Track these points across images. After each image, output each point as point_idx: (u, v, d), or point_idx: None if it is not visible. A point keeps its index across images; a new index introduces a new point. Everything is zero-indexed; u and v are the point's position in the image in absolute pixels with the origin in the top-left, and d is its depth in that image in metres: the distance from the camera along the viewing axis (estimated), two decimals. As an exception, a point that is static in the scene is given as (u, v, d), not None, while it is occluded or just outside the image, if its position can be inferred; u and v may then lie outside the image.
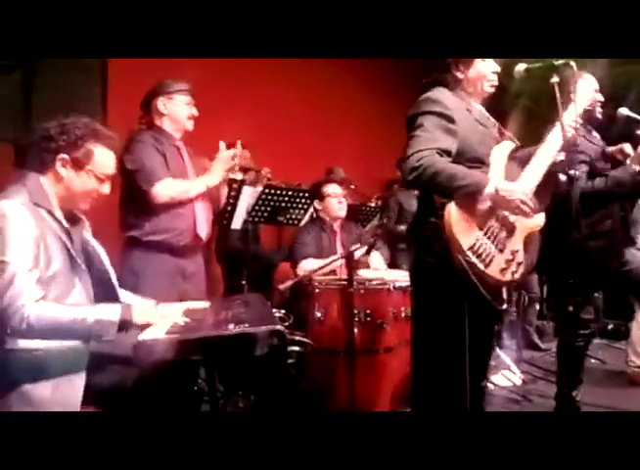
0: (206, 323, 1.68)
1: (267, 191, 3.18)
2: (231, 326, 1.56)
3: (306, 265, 3.15)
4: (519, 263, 1.92)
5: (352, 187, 3.62)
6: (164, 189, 2.42)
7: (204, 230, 2.56)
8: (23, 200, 1.59)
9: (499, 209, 1.89)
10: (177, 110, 2.57)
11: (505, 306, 1.82)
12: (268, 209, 3.24)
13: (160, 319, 1.65)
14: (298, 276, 2.77)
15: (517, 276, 1.90)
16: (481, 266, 1.82)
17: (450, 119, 1.93)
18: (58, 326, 1.50)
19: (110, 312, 1.57)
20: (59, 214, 1.69)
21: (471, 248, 1.82)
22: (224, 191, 2.74)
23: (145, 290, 2.07)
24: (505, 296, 1.85)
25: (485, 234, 1.89)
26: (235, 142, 2.58)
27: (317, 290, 2.81)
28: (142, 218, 2.44)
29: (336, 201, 3.35)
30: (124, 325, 1.57)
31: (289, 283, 2.51)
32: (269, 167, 3.83)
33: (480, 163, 1.98)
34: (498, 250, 1.90)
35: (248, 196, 3.11)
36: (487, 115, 2.11)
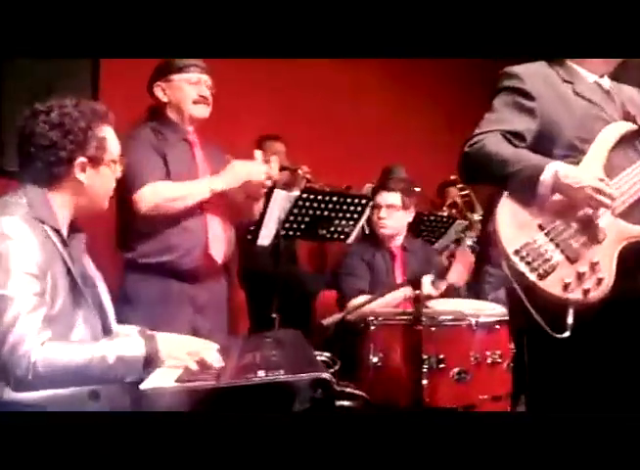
0: (229, 368, 1.68)
1: (306, 196, 3.18)
2: (261, 373, 1.56)
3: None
4: (599, 280, 1.85)
5: (417, 190, 3.58)
6: (149, 195, 2.40)
7: (219, 250, 2.55)
8: (23, 215, 1.64)
9: (572, 201, 1.87)
10: (178, 94, 2.56)
11: (567, 334, 1.75)
12: (306, 219, 3.24)
13: (187, 356, 1.69)
14: (347, 310, 2.75)
15: (592, 296, 1.83)
16: (532, 277, 1.81)
17: (526, 95, 1.96)
18: (71, 371, 1.54)
19: (133, 346, 1.61)
20: (64, 232, 1.74)
21: (517, 252, 1.82)
22: (259, 203, 2.72)
23: (142, 323, 2.08)
24: (570, 321, 1.77)
25: (548, 236, 1.87)
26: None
27: (372, 327, 2.78)
28: (138, 236, 2.46)
29: (376, 215, 3.34)
30: (150, 361, 1.62)
31: (336, 318, 2.49)
32: (308, 166, 3.84)
33: (576, 150, 1.96)
34: (566, 258, 1.87)
35: (280, 203, 3.12)
36: (607, 89, 2.09)
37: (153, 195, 2.42)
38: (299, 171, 3.80)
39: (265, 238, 3.17)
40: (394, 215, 3.35)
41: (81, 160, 1.72)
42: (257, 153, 2.57)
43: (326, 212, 3.24)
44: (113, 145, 1.80)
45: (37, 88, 2.92)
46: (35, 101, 1.75)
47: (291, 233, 3.26)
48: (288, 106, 4.51)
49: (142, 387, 1.55)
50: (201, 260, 2.50)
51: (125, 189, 2.36)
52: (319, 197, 3.20)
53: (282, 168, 3.67)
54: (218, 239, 2.56)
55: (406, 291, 2.92)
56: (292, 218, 3.21)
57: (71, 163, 1.71)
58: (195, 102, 2.58)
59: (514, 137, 1.94)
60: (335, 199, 3.22)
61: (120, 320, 1.95)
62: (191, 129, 2.63)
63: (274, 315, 3.14)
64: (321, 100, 4.79)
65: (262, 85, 4.41)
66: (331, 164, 4.14)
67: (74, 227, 1.82)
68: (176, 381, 1.58)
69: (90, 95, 3.40)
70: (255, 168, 2.55)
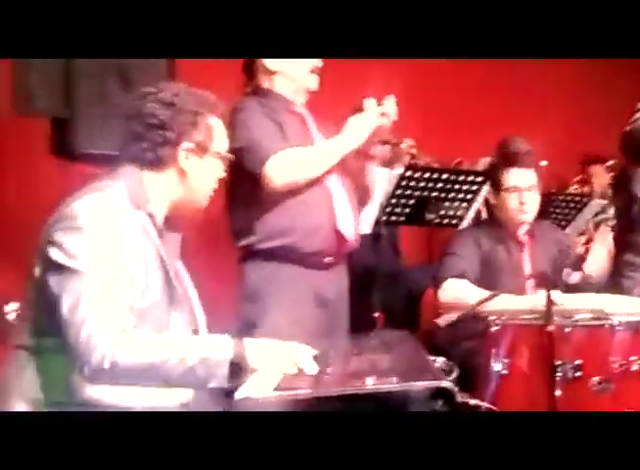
0: (334, 374, 1.69)
1: (410, 174, 3.18)
2: (370, 380, 1.56)
3: (454, 289, 3.03)
4: None
5: (544, 163, 3.49)
6: (279, 166, 2.41)
7: (349, 225, 2.52)
8: (121, 196, 1.73)
9: None
10: (293, 63, 2.61)
11: None
12: (411, 202, 3.25)
13: (281, 362, 1.71)
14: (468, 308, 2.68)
15: None
16: None
17: None
18: (151, 366, 1.59)
19: (219, 348, 1.65)
20: (160, 223, 1.81)
21: None
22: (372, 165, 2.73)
23: (266, 324, 2.11)
24: None
25: None
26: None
27: (495, 327, 2.71)
28: (254, 218, 2.48)
29: (515, 199, 3.18)
30: (236, 367, 1.65)
31: (452, 317, 2.46)
32: (413, 139, 3.86)
33: None
34: None
35: (381, 183, 3.19)
36: None
37: (284, 165, 2.43)
38: (403, 145, 3.77)
39: (365, 225, 3.18)
40: (534, 198, 3.21)
41: (188, 145, 1.81)
42: (369, 100, 2.54)
43: (434, 193, 3.23)
44: (221, 138, 1.89)
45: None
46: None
47: (393, 219, 3.29)
48: (387, 68, 4.49)
49: (237, 396, 1.56)
50: (329, 240, 2.49)
51: (246, 160, 2.40)
52: (426, 175, 3.19)
53: (382, 142, 3.68)
54: (346, 212, 2.54)
55: (538, 301, 2.82)
56: (394, 201, 3.23)
57: (177, 146, 1.80)
58: (310, 71, 2.63)
59: None
60: (445, 177, 3.20)
61: (240, 317, 1.99)
62: (299, 101, 2.65)
63: (376, 315, 3.21)
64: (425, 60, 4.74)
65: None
66: (437, 136, 4.11)
67: (171, 224, 1.89)
68: (276, 389, 1.59)
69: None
70: (374, 112, 2.52)
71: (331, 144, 2.52)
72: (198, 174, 1.85)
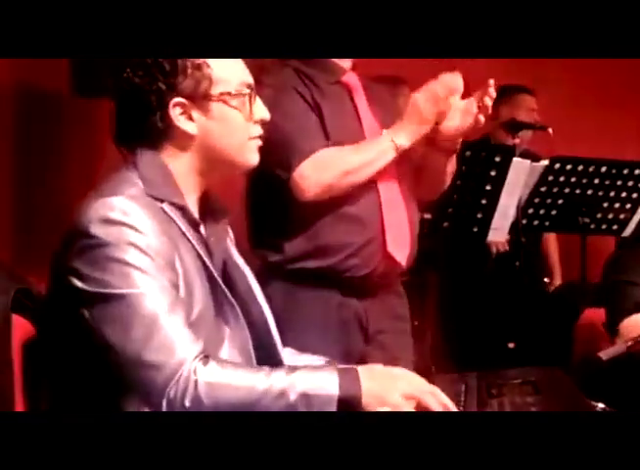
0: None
1: (559, 166, 3.16)
2: None
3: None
4: None
5: None
6: (315, 171, 2.35)
7: (402, 246, 2.47)
8: (136, 192, 1.68)
9: None
10: None
11: None
12: (560, 202, 3.24)
13: (402, 399, 1.64)
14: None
15: None
16: None
17: None
18: (242, 404, 1.57)
19: (323, 381, 1.62)
20: (194, 210, 1.77)
21: None
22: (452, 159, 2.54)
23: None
24: None
25: None
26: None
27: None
28: (284, 233, 2.44)
29: None
30: (348, 403, 1.61)
31: (619, 349, 2.35)
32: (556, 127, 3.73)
33: None
34: None
35: (522, 178, 3.11)
36: None
37: (321, 171, 2.36)
38: (549, 132, 3.69)
39: (498, 231, 3.19)
40: None
41: (177, 100, 1.71)
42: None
43: (590, 191, 3.22)
44: (223, 71, 1.77)
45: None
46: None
47: (536, 223, 3.30)
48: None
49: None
50: (376, 263, 2.44)
51: (272, 161, 2.31)
52: (579, 167, 3.17)
53: (524, 126, 3.61)
54: (400, 229, 2.46)
55: None
56: (537, 201, 3.23)
57: (166, 108, 1.71)
58: None
59: None
60: (603, 170, 3.19)
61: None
62: (348, 65, 2.53)
63: (511, 345, 3.21)
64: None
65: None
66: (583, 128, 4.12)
67: (211, 202, 1.85)
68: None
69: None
70: (444, 88, 2.34)
71: (384, 140, 2.39)
72: (211, 131, 1.75)
